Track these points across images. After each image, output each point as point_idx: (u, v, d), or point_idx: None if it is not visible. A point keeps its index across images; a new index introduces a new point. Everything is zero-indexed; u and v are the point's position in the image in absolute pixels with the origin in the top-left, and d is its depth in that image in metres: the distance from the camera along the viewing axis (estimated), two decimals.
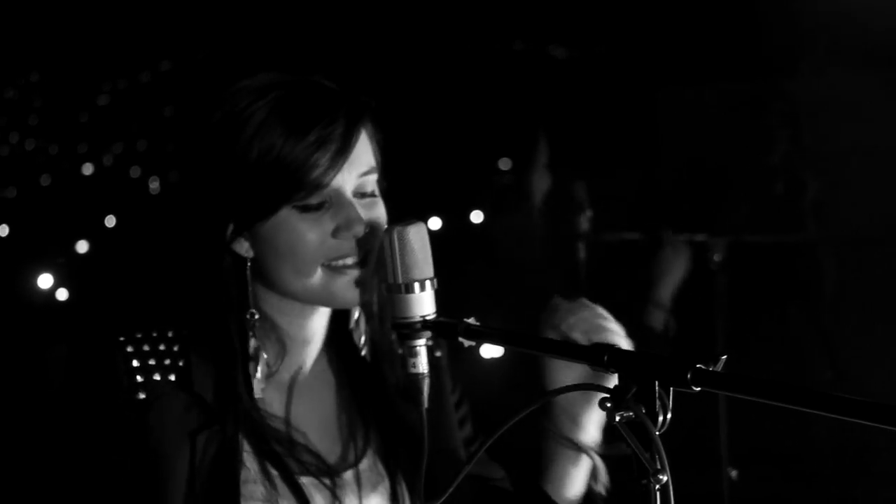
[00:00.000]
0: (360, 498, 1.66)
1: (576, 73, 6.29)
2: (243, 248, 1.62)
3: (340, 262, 1.58)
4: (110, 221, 6.31)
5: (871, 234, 5.25)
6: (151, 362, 1.59)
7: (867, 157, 5.38)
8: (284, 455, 1.63)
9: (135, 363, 1.59)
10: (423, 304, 1.48)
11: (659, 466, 1.24)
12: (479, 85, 6.14)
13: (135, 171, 6.63)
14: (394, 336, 1.58)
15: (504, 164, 6.51)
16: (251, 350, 1.62)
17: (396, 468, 1.69)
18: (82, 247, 6.06)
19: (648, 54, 6.05)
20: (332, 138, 1.57)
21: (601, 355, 1.31)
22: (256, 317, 1.62)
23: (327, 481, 1.64)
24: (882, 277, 5.22)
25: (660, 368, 1.26)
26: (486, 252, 6.05)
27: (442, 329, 1.48)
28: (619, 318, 1.64)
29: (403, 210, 1.72)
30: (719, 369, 1.25)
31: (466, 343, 1.47)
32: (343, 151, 1.58)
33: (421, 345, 1.50)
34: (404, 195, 1.76)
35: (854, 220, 5.30)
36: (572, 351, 1.36)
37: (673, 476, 1.24)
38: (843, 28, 5.17)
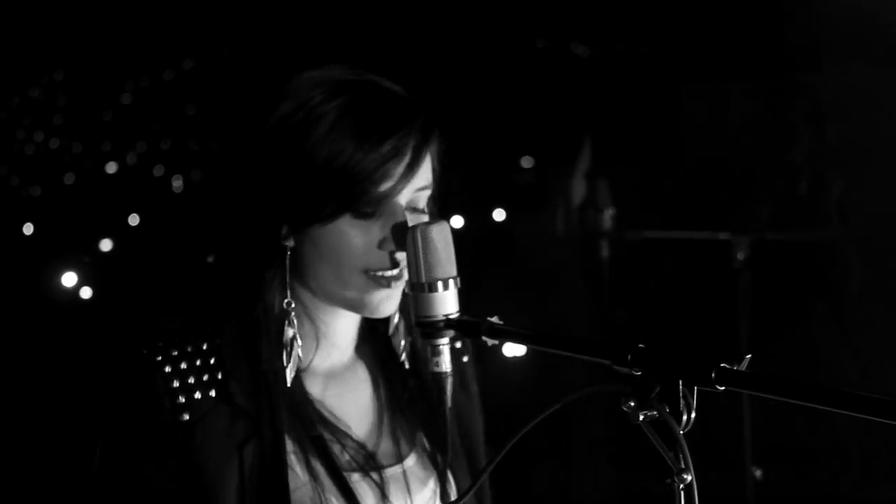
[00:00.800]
0: (409, 494, 1.66)
1: (598, 71, 6.27)
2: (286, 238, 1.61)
3: (380, 273, 1.57)
4: (134, 220, 6.33)
5: None
6: (191, 381, 1.56)
7: (891, 153, 5.35)
8: (330, 441, 1.62)
9: (175, 384, 1.55)
10: (447, 302, 1.48)
11: (683, 466, 1.24)
12: (500, 82, 6.13)
13: (158, 170, 6.65)
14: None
15: (526, 162, 6.50)
16: (286, 338, 1.60)
17: (444, 467, 1.68)
18: (106, 245, 6.09)
19: (670, 51, 6.03)
20: (405, 150, 1.55)
21: (625, 354, 1.30)
22: (293, 305, 1.61)
23: (375, 475, 1.63)
24: None
25: (684, 367, 1.26)
26: (507, 250, 6.04)
27: (465, 328, 1.48)
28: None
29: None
30: (744, 368, 1.24)
31: (490, 342, 1.47)
32: (413, 165, 1.55)
33: (444, 343, 1.50)
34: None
35: (878, 217, 5.27)
36: (595, 349, 1.36)
37: (697, 476, 1.24)
38: (866, 24, 5.14)
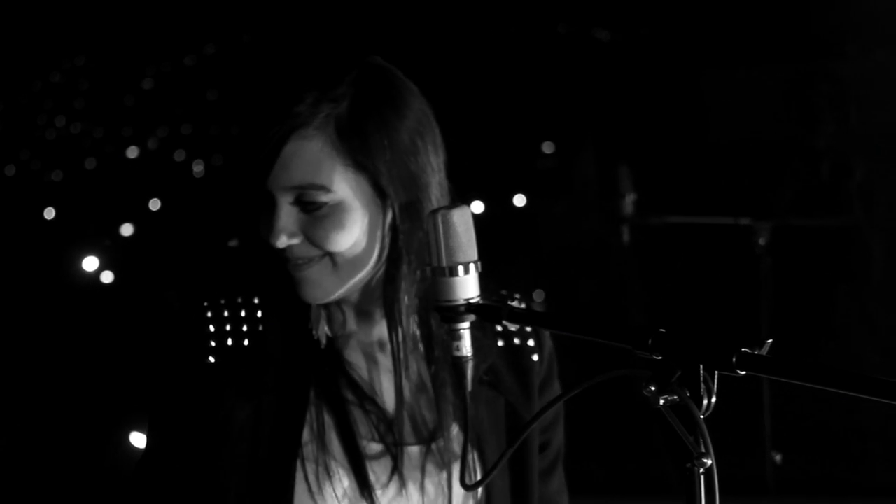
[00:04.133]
0: (423, 475, 1.66)
1: (620, 56, 6.25)
2: None
3: (285, 258, 1.63)
4: (155, 205, 6.34)
5: None
6: (227, 328, 1.66)
7: None
8: (353, 405, 1.66)
9: (210, 328, 1.66)
10: (467, 287, 1.48)
11: (703, 450, 1.23)
12: (522, 68, 6.12)
13: (179, 155, 6.66)
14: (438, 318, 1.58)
15: (547, 147, 6.49)
16: (312, 312, 1.68)
17: (464, 452, 1.68)
18: (127, 230, 6.11)
19: (693, 36, 6.00)
20: (265, 146, 1.59)
21: (645, 338, 1.30)
22: None
23: (393, 448, 1.65)
24: None
25: (705, 352, 1.26)
26: (528, 236, 6.04)
27: (486, 312, 1.48)
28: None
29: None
30: (765, 353, 1.24)
31: (511, 326, 1.47)
32: (269, 160, 1.59)
33: (465, 328, 1.50)
34: (448, 179, 1.75)
35: None
36: (616, 334, 1.36)
37: (716, 460, 1.24)
38: (891, 9, 5.11)
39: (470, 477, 1.62)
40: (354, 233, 1.61)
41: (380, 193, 1.63)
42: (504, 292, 1.76)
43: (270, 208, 1.61)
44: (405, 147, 1.63)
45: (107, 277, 5.51)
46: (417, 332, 1.70)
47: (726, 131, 5.91)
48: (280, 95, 1.62)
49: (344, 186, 1.60)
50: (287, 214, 1.60)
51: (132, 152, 6.60)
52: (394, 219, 1.64)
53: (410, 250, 1.64)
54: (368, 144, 1.61)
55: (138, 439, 4.17)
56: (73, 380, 5.05)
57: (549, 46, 6.31)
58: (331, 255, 1.61)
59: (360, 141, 1.61)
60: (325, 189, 1.59)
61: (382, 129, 1.62)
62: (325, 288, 1.63)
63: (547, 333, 1.79)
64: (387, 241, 1.65)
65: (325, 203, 1.60)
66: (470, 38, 6.08)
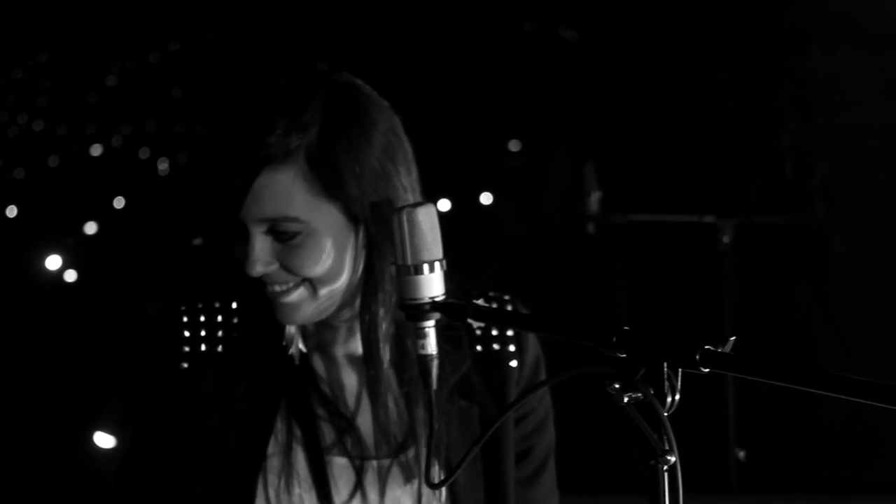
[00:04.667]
0: (386, 488, 1.66)
1: (586, 55, 6.28)
2: None
3: (263, 283, 1.62)
4: (119, 203, 6.32)
5: (880, 215, 5.25)
6: (202, 333, 1.67)
7: (876, 138, 5.37)
8: (323, 419, 1.66)
9: (185, 333, 1.66)
10: (432, 285, 1.47)
11: (667, 447, 1.24)
12: (489, 66, 6.13)
13: (143, 153, 6.64)
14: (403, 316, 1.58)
15: (514, 145, 6.51)
16: (286, 329, 1.67)
17: (429, 453, 1.68)
18: (91, 228, 6.07)
19: (658, 35, 6.03)
20: (237, 177, 1.58)
21: (610, 336, 1.30)
22: None
23: (357, 462, 1.65)
24: (890, 258, 5.22)
25: (668, 349, 1.26)
26: (495, 233, 6.05)
27: (451, 310, 1.47)
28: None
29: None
30: (728, 350, 1.25)
31: (475, 324, 1.46)
32: (240, 193, 1.57)
33: (430, 326, 1.49)
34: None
35: (863, 200, 5.29)
36: (580, 331, 1.36)
37: (680, 457, 1.24)
38: (854, 9, 5.15)
39: (434, 477, 1.62)
40: (329, 259, 1.60)
41: (352, 219, 1.62)
42: (492, 294, 1.74)
43: (244, 236, 1.60)
44: (376, 172, 1.62)
45: (70, 276, 5.47)
46: (390, 351, 1.69)
47: (691, 129, 5.94)
48: (249, 120, 1.61)
49: (316, 216, 1.59)
50: (261, 244, 1.59)
51: (96, 150, 6.57)
52: (367, 242, 1.63)
53: (384, 273, 1.64)
54: (339, 174, 1.59)
55: (102, 439, 4.15)
56: (36, 378, 5.01)
57: (516, 45, 6.33)
58: (309, 281, 1.61)
59: (330, 171, 1.59)
60: (297, 220, 1.58)
61: (352, 156, 1.60)
62: (305, 312, 1.63)
63: (533, 340, 1.77)
64: (360, 261, 1.64)
65: (299, 233, 1.59)
66: (437, 36, 6.09)
